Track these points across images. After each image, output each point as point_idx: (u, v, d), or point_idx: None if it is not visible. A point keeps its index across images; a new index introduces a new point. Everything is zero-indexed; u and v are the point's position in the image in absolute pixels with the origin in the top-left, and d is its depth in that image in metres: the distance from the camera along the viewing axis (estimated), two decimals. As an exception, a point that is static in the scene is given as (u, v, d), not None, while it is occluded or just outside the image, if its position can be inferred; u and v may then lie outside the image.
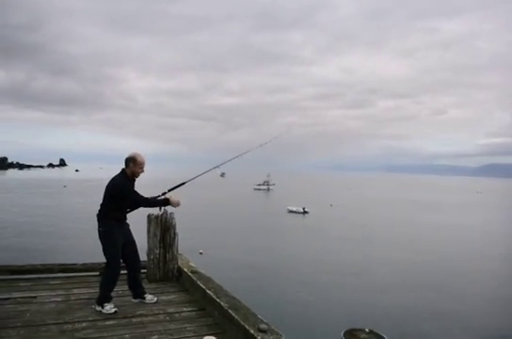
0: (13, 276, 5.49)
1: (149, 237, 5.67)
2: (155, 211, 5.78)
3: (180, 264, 5.78)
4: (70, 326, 4.00)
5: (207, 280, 4.97)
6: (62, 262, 5.94)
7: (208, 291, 4.53)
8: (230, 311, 3.94)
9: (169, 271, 5.65)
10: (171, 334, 3.92)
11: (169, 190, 4.95)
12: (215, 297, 4.34)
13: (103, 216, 4.58)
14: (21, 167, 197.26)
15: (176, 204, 4.67)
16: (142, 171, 4.67)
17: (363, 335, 4.00)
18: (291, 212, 44.34)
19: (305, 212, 43.80)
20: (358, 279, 17.52)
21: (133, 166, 4.59)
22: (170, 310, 4.55)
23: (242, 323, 3.67)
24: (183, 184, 5.02)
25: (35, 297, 4.80)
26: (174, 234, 5.69)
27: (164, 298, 4.96)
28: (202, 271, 5.41)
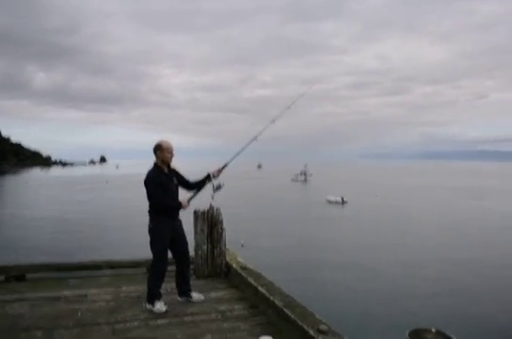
0: (62, 273, 5.50)
1: (196, 233, 5.54)
2: (202, 206, 5.65)
3: (228, 259, 5.63)
4: (121, 325, 3.92)
5: (257, 276, 4.79)
6: (109, 258, 5.91)
7: (260, 288, 4.35)
8: (285, 310, 3.73)
9: (218, 267, 5.52)
10: (225, 333, 3.76)
11: (213, 173, 4.75)
12: (267, 294, 4.15)
13: (150, 211, 4.50)
14: (64, 164, 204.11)
15: (184, 207, 4.52)
16: (172, 156, 4.53)
17: (430, 336, 3.70)
18: (329, 202, 43.78)
19: (344, 202, 43.14)
20: (409, 273, 16.83)
21: (160, 153, 4.46)
22: (222, 308, 4.40)
23: (299, 323, 3.46)
24: (225, 166, 4.82)
25: (85, 295, 4.76)
26: (221, 229, 5.55)
27: (213, 295, 4.82)
28: (251, 266, 5.23)
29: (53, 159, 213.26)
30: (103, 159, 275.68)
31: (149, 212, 4.50)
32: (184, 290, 4.68)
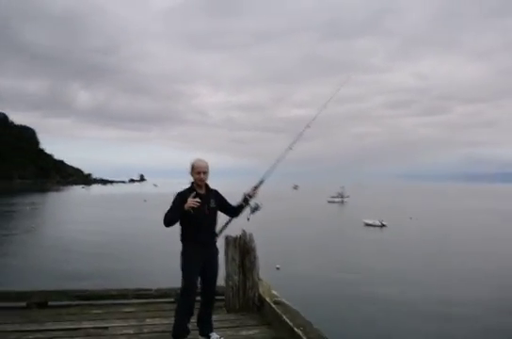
0: (86, 301, 5.19)
1: (227, 262, 5.12)
2: (234, 232, 5.26)
3: (261, 291, 5.16)
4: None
5: (294, 314, 4.29)
6: (136, 287, 5.55)
7: (296, 330, 3.86)
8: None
9: (250, 300, 5.05)
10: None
11: (249, 194, 4.27)
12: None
13: (181, 236, 4.15)
14: (104, 182, 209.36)
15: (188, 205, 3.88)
16: (203, 176, 4.06)
17: None
18: (367, 225, 42.45)
19: (383, 225, 41.73)
20: (452, 301, 15.80)
21: (191, 173, 4.13)
22: (253, 349, 3.94)
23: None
24: (261, 182, 4.37)
25: (106, 328, 4.41)
26: (254, 257, 5.10)
27: (244, 333, 4.36)
28: (287, 302, 4.74)
29: (93, 177, 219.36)
30: (142, 178, 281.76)
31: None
32: (204, 328, 4.19)
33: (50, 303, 5.13)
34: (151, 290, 5.38)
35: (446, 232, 37.53)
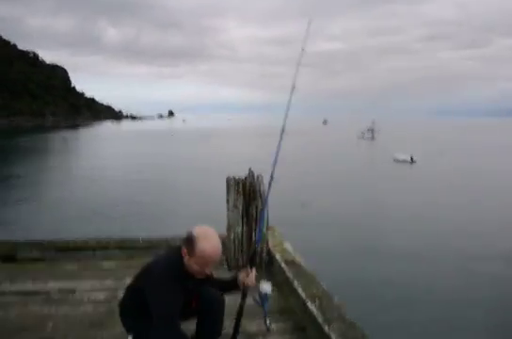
0: (62, 253, 4.34)
1: (228, 210, 4.11)
2: (236, 173, 4.19)
3: (271, 245, 4.18)
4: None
5: (309, 280, 3.28)
6: (121, 237, 4.66)
7: (310, 306, 2.87)
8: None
9: (256, 255, 4.08)
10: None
11: (243, 282, 2.51)
12: (320, 320, 2.66)
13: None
14: (133, 118, 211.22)
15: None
16: (206, 271, 2.23)
17: None
18: (397, 161, 40.98)
19: (413, 161, 40.20)
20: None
21: (190, 255, 2.17)
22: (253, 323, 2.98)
23: None
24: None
25: (74, 291, 3.54)
26: (262, 204, 4.04)
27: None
28: (302, 261, 3.74)
29: (124, 113, 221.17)
30: (170, 113, 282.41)
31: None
32: None
33: (20, 256, 4.30)
34: (137, 240, 4.47)
35: (478, 169, 35.73)
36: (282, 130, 2.94)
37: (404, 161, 40.63)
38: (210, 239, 2.14)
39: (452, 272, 11.42)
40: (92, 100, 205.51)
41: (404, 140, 69.02)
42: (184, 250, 2.17)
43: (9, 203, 19.84)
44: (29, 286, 3.61)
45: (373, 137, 78.17)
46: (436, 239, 14.57)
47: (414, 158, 40.44)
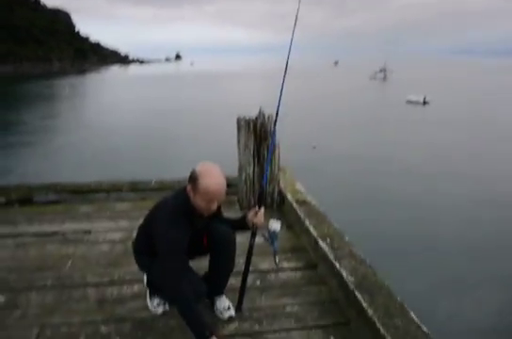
0: (77, 196, 4.40)
1: (239, 150, 4.07)
2: (246, 113, 4.10)
3: (282, 185, 4.18)
4: (115, 290, 2.73)
5: (321, 219, 3.31)
6: (133, 179, 4.69)
7: (321, 243, 2.91)
8: (358, 295, 2.30)
9: (267, 195, 4.11)
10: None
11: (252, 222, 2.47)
12: (332, 257, 2.70)
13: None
14: (141, 62, 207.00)
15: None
16: (211, 207, 2.21)
17: None
18: (409, 102, 40.06)
19: (425, 102, 39.24)
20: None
21: (194, 192, 2.17)
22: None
23: (375, 320, 2.05)
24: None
25: (89, 231, 3.63)
26: (274, 145, 3.99)
27: (257, 238, 3.48)
28: (313, 201, 3.76)
29: (130, 57, 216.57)
30: (178, 56, 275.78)
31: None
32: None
33: (36, 199, 4.37)
34: (150, 182, 4.51)
35: (493, 110, 34.85)
36: (286, 64, 2.76)
37: (416, 102, 39.74)
38: (212, 175, 2.14)
39: (465, 216, 11.49)
40: (98, 44, 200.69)
41: (417, 81, 67.09)
42: (189, 188, 2.18)
43: (18, 149, 20.03)
44: (46, 228, 3.70)
45: (385, 78, 76.10)
46: (449, 181, 14.55)
47: (427, 99, 39.52)
